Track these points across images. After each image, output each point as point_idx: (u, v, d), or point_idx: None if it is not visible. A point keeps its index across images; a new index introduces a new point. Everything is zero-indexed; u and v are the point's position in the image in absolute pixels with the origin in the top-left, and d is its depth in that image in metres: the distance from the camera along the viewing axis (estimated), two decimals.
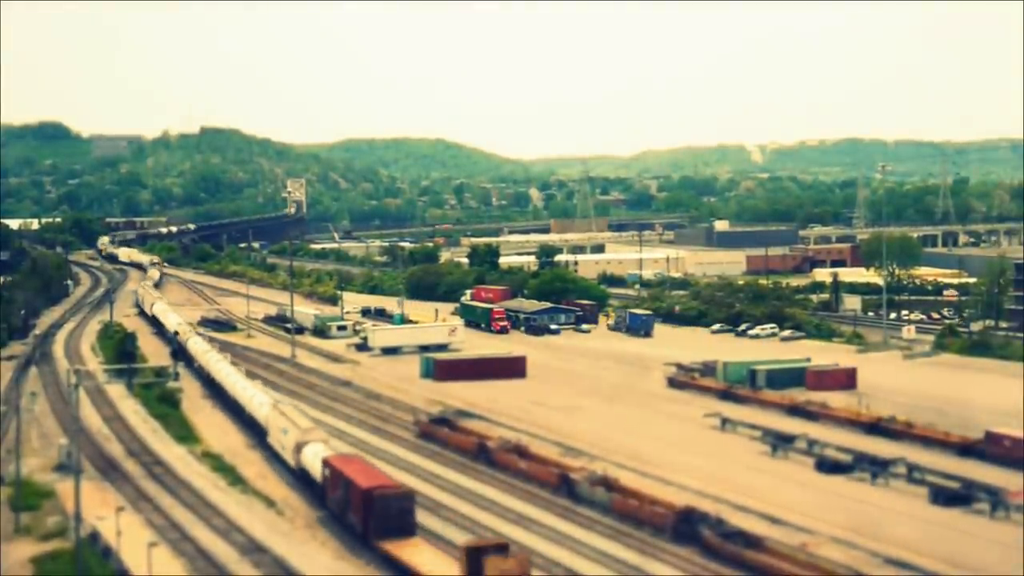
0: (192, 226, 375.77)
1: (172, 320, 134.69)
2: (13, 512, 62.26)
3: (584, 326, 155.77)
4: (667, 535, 58.00)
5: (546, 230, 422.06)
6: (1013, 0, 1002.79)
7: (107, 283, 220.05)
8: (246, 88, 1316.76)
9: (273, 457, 76.10)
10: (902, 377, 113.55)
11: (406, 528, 55.87)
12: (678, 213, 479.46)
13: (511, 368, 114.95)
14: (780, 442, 79.80)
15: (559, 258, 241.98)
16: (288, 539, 58.40)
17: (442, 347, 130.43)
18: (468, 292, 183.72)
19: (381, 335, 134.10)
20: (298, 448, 69.31)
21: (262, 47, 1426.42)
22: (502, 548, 49.27)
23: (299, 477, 69.74)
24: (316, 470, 65.54)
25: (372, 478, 59.96)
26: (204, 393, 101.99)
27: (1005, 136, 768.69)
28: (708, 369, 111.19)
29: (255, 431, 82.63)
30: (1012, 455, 74.12)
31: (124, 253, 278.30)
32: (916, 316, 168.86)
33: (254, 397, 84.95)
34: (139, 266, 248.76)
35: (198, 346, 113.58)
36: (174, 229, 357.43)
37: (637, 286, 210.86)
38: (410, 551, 53.24)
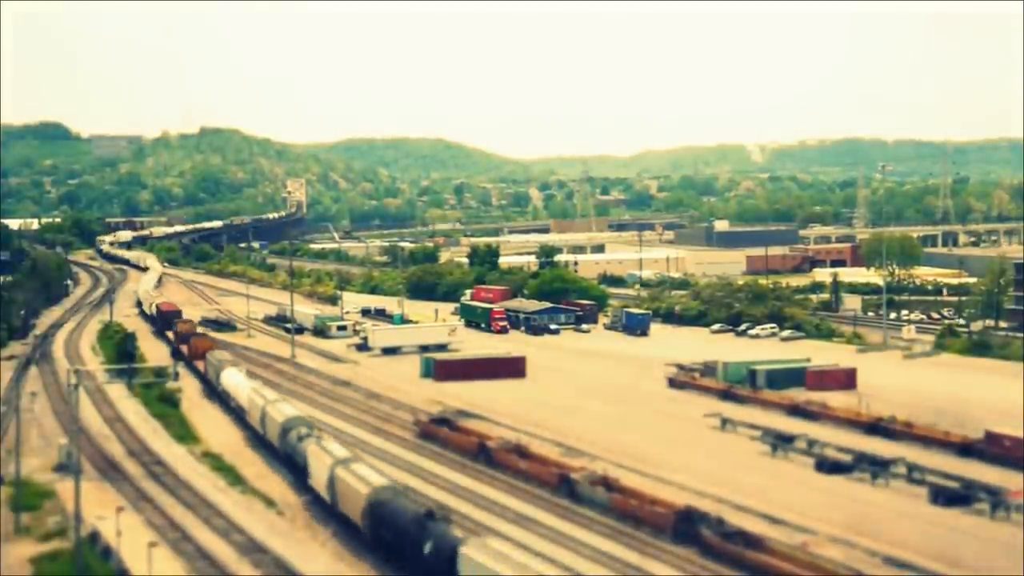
0: (219, 223, 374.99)
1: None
2: (13, 512, 62.16)
3: (584, 326, 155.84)
4: (667, 535, 57.95)
5: (546, 230, 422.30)
6: (1013, 0, 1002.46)
7: (107, 283, 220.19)
8: (246, 88, 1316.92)
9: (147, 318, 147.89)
10: (902, 377, 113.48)
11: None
12: (678, 213, 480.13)
13: (511, 368, 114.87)
14: (780, 442, 79.73)
15: (559, 258, 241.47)
16: (288, 539, 58.36)
17: (442, 347, 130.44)
18: (468, 292, 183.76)
19: (381, 335, 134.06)
20: (146, 303, 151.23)
21: (262, 47, 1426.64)
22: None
23: (146, 315, 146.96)
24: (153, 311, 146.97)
25: (170, 307, 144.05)
26: (204, 392, 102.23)
27: (1005, 136, 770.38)
28: (708, 369, 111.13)
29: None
30: (1012, 455, 74.01)
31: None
32: (916, 316, 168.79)
33: (142, 284, 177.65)
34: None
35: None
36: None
37: (637, 286, 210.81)
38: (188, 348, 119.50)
